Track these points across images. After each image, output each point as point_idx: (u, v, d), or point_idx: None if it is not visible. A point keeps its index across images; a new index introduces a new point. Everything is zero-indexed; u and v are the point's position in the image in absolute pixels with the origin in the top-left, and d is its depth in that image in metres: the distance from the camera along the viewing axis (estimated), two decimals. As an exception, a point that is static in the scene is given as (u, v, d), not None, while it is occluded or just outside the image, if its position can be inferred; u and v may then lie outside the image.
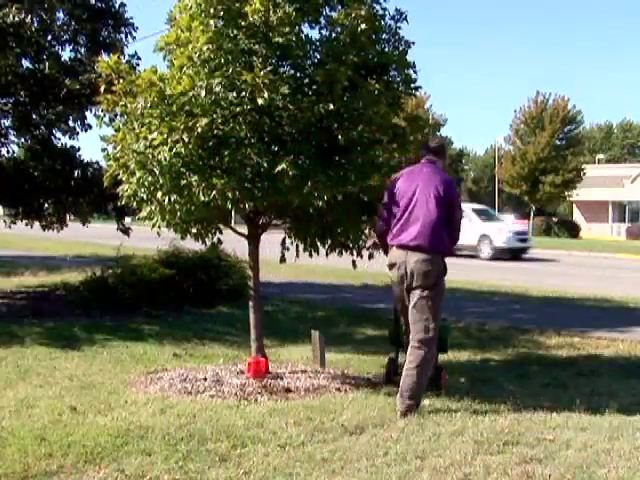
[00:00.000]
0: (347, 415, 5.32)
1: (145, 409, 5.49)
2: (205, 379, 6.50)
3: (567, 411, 5.56)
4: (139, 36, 11.76)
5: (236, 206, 5.85)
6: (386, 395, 5.91)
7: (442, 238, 5.64)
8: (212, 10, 5.82)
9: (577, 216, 55.75)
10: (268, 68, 5.56)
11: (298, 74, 6.07)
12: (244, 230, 6.68)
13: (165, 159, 5.56)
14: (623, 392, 6.28)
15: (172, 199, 5.68)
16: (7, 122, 11.37)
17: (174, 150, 5.55)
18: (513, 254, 24.75)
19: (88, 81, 10.28)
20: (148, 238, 8.90)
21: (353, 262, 6.77)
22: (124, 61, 6.91)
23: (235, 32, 5.83)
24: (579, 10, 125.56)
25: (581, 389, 6.37)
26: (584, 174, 49.10)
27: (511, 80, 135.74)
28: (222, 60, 5.74)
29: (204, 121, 5.52)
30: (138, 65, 9.87)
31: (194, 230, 6.37)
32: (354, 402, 5.70)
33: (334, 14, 6.27)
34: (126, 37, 11.42)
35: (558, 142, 49.58)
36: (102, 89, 6.25)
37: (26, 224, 11.96)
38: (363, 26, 6.02)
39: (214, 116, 5.61)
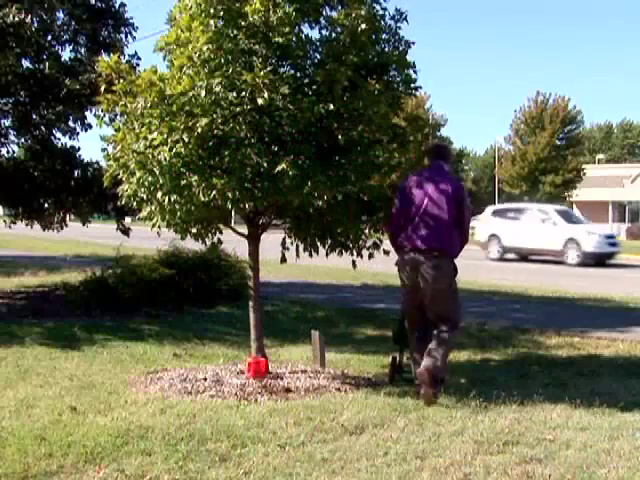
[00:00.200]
0: (347, 415, 5.32)
1: (145, 409, 5.49)
2: (205, 379, 6.50)
3: (567, 411, 5.57)
4: (139, 36, 11.78)
5: (236, 206, 5.85)
6: (386, 395, 5.91)
7: (453, 241, 5.91)
8: (212, 10, 5.82)
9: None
10: (268, 68, 5.57)
11: (298, 74, 6.07)
12: (244, 230, 6.68)
13: (165, 159, 5.56)
14: (623, 392, 6.28)
15: (172, 199, 5.68)
16: (7, 122, 11.38)
17: (174, 150, 5.55)
18: (600, 260, 22.76)
19: (88, 81, 10.28)
20: (148, 238, 8.91)
21: (353, 262, 6.77)
22: (124, 61, 6.92)
23: (235, 32, 5.83)
24: (579, 11, 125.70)
25: (581, 389, 6.37)
26: (584, 174, 49.13)
27: (511, 80, 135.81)
28: (222, 60, 5.74)
29: (204, 121, 5.52)
30: (138, 65, 9.91)
31: (194, 230, 6.38)
32: (354, 402, 5.70)
33: (334, 14, 6.27)
34: (126, 37, 11.43)
35: (558, 142, 49.62)
36: (102, 89, 6.25)
37: (26, 224, 11.97)
38: (363, 26, 6.02)
39: (214, 116, 5.61)
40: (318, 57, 6.16)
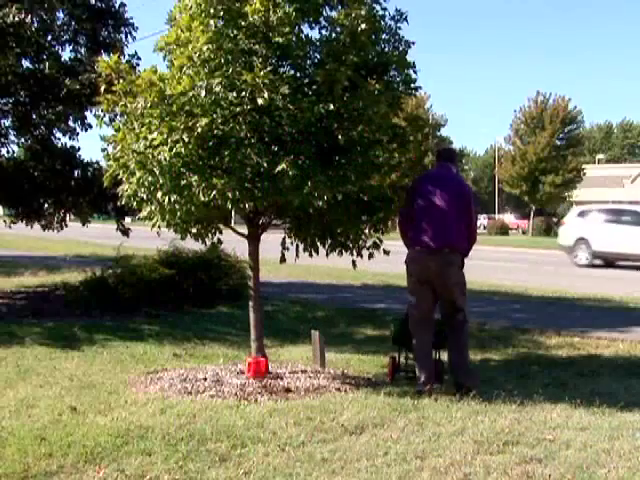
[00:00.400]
0: (347, 415, 5.32)
1: (145, 409, 5.49)
2: (205, 379, 6.50)
3: (567, 411, 5.57)
4: (139, 36, 11.78)
5: (236, 206, 5.85)
6: (386, 395, 5.91)
7: (461, 239, 6.21)
8: (212, 10, 5.82)
9: (577, 216, 55.75)
10: (268, 68, 5.56)
11: (298, 74, 6.06)
12: (244, 230, 6.68)
13: (165, 159, 5.56)
14: (623, 392, 6.28)
15: (172, 199, 5.68)
16: (7, 122, 11.38)
17: (174, 150, 5.55)
18: None
19: (88, 81, 10.28)
20: (148, 238, 8.91)
21: (353, 262, 6.77)
22: (124, 61, 6.93)
23: (235, 32, 5.83)
24: (579, 11, 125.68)
25: (581, 389, 6.37)
26: (584, 174, 49.11)
27: (511, 80, 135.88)
28: (222, 60, 5.74)
29: (204, 121, 5.52)
30: (138, 65, 9.89)
31: (194, 230, 6.38)
32: (354, 402, 5.70)
33: (334, 14, 6.27)
34: (126, 37, 11.44)
35: (558, 142, 49.62)
36: (102, 89, 6.25)
37: (26, 224, 11.96)
38: (363, 26, 6.02)
39: (214, 116, 5.61)
40: (318, 57, 6.16)
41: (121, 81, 6.02)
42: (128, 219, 12.24)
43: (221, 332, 9.30)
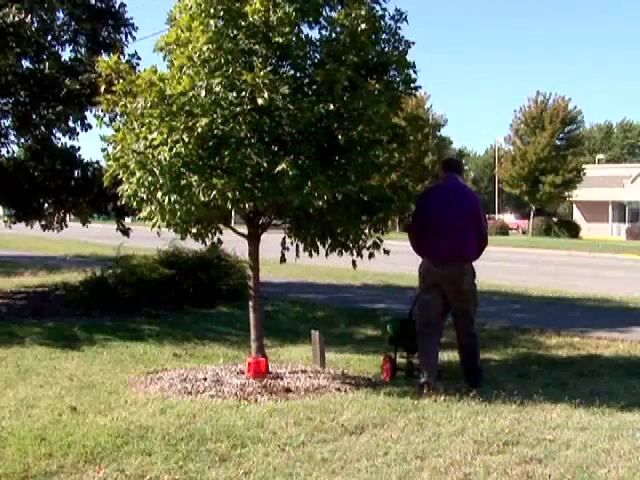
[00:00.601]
0: (347, 415, 5.32)
1: (145, 409, 5.49)
2: (205, 379, 6.50)
3: (567, 411, 5.57)
4: (139, 36, 11.78)
5: (236, 206, 5.86)
6: (386, 395, 5.91)
7: (473, 248, 6.46)
8: (212, 10, 5.82)
9: (577, 216, 55.74)
10: (268, 68, 5.57)
11: (298, 74, 6.07)
12: (244, 230, 6.68)
13: (165, 159, 5.56)
14: (623, 392, 6.28)
15: (172, 199, 5.68)
16: (7, 122, 11.38)
17: (174, 150, 5.55)
18: None
19: (88, 81, 10.28)
20: (148, 238, 8.91)
21: (353, 262, 6.77)
22: (124, 61, 6.92)
23: (235, 32, 5.84)
24: (579, 11, 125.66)
25: (581, 389, 6.37)
26: (584, 174, 49.08)
27: (511, 80, 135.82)
28: (222, 60, 5.74)
29: (204, 121, 5.52)
30: (138, 65, 9.88)
31: (194, 230, 6.38)
32: (354, 402, 5.70)
33: (334, 14, 6.27)
34: (126, 37, 11.44)
35: (558, 142, 49.58)
36: (102, 89, 6.25)
37: (26, 224, 11.96)
38: (363, 26, 6.02)
39: (214, 116, 5.61)
40: (318, 57, 6.16)
41: (121, 81, 6.03)
42: (128, 219, 12.23)
43: (221, 332, 9.30)
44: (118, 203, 6.78)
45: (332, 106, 5.80)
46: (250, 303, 6.75)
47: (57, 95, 10.61)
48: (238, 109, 5.66)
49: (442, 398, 5.82)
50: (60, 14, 11.13)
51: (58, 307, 10.81)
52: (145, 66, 6.47)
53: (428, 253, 6.46)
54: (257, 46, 5.86)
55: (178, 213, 5.81)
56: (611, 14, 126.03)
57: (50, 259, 19.06)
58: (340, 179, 5.85)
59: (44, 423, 5.10)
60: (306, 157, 5.78)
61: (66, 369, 6.98)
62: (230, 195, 5.62)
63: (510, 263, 22.59)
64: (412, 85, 6.45)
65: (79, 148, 11.56)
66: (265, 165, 5.62)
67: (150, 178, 5.73)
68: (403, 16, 6.43)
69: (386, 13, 6.38)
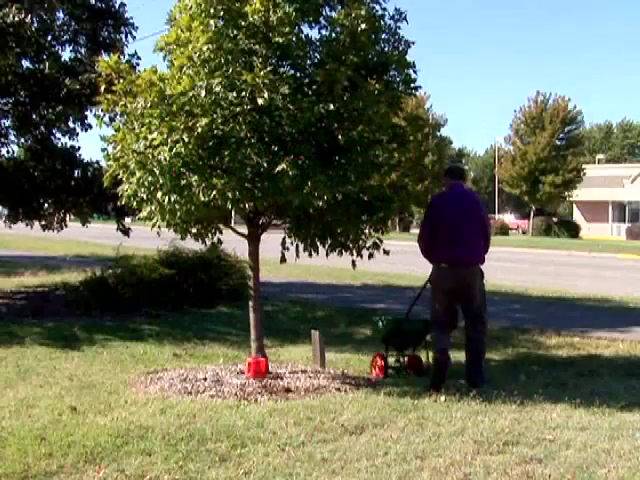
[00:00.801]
0: (347, 415, 5.32)
1: (145, 409, 5.49)
2: (205, 379, 6.50)
3: (567, 411, 5.56)
4: (139, 36, 11.78)
5: (236, 206, 5.86)
6: (386, 395, 5.91)
7: (481, 251, 6.65)
8: (212, 10, 5.82)
9: (577, 216, 55.73)
10: (268, 68, 5.57)
11: (298, 74, 6.07)
12: (244, 230, 6.68)
13: (165, 159, 5.56)
14: (623, 392, 6.28)
15: (172, 199, 5.68)
16: (7, 122, 11.38)
17: (174, 150, 5.55)
18: None
19: (88, 81, 10.28)
20: (148, 238, 8.91)
21: (353, 262, 6.77)
22: (124, 61, 6.92)
23: (235, 32, 5.84)
24: (579, 11, 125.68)
25: (581, 389, 6.37)
26: (584, 174, 49.06)
27: (511, 80, 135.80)
28: (222, 60, 5.74)
29: (204, 121, 5.52)
30: (138, 65, 9.89)
31: (194, 230, 6.38)
32: (354, 402, 5.70)
33: (334, 14, 6.27)
34: (126, 37, 11.44)
35: (558, 142, 49.56)
36: (102, 89, 6.25)
37: (26, 224, 11.96)
38: (363, 26, 6.02)
39: (214, 116, 5.61)
40: (318, 57, 6.16)
41: (121, 81, 6.03)
42: (128, 219, 12.23)
43: (221, 332, 9.30)
44: (118, 203, 6.77)
45: (332, 106, 5.80)
46: (250, 303, 6.75)
47: (57, 95, 10.61)
48: (238, 109, 5.66)
49: (442, 398, 5.82)
50: (60, 14, 11.15)
51: (58, 307, 10.82)
52: (145, 66, 6.49)
53: (444, 258, 6.51)
54: (257, 46, 5.86)
55: (178, 213, 5.81)
56: (611, 14, 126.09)
57: (50, 259, 19.06)
58: (340, 179, 5.85)
59: (44, 423, 5.10)
60: (306, 157, 5.78)
61: (66, 369, 6.98)
62: (230, 195, 5.62)
63: (510, 263, 22.58)
64: (412, 85, 6.45)
65: (79, 148, 11.59)
66: (265, 165, 5.62)
67: (150, 178, 5.73)
68: (403, 16, 6.44)
69: (386, 13, 6.39)
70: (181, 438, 4.76)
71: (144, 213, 6.13)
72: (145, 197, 5.92)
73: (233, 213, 6.52)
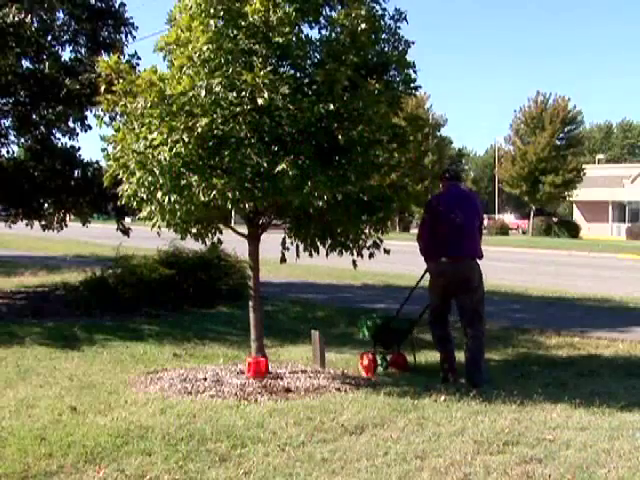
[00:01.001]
0: (347, 415, 5.32)
1: (145, 409, 5.49)
2: (205, 379, 6.50)
3: (567, 411, 5.57)
4: (139, 36, 11.78)
5: (236, 206, 5.85)
6: (386, 395, 5.91)
7: (479, 248, 6.85)
8: (212, 10, 5.82)
9: (577, 216, 55.73)
10: (268, 68, 5.57)
11: (298, 74, 6.06)
12: (244, 230, 6.68)
13: (165, 159, 5.56)
14: (623, 392, 6.28)
15: (172, 199, 5.68)
16: (7, 122, 11.38)
17: (174, 150, 5.55)
18: None
19: (88, 81, 10.28)
20: (148, 238, 8.90)
21: (353, 262, 6.78)
22: (124, 61, 6.92)
23: (235, 32, 5.83)
24: (579, 11, 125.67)
25: (581, 389, 6.37)
26: (584, 174, 49.06)
27: (511, 80, 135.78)
28: (222, 60, 5.74)
29: (204, 121, 5.52)
30: (138, 65, 9.88)
31: (194, 230, 6.38)
32: (354, 402, 5.70)
33: (334, 14, 6.27)
34: (126, 37, 11.44)
35: (558, 142, 49.55)
36: (102, 89, 6.25)
37: (26, 224, 11.96)
38: (363, 26, 6.02)
39: (214, 116, 5.61)
40: (318, 57, 6.16)
41: (121, 81, 6.03)
42: (128, 219, 12.23)
43: (221, 332, 9.30)
44: (118, 203, 6.77)
45: (332, 106, 5.80)
46: (250, 303, 6.75)
47: (57, 95, 10.61)
48: (238, 109, 5.66)
49: (442, 398, 5.82)
50: (60, 14, 11.14)
51: (58, 307, 10.81)
52: (145, 66, 6.48)
53: (444, 253, 6.69)
54: (257, 46, 5.86)
55: (178, 213, 5.81)
56: (611, 14, 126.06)
57: (50, 259, 19.06)
58: (340, 179, 5.85)
59: (44, 423, 5.10)
60: (306, 157, 5.78)
61: (66, 369, 6.98)
62: (230, 195, 5.62)
63: (510, 263, 22.59)
64: (412, 85, 6.46)
65: (79, 148, 11.59)
66: (265, 165, 5.62)
67: (150, 178, 5.73)
68: (403, 16, 6.44)
69: (386, 13, 6.39)
70: (181, 438, 4.76)
71: (144, 213, 6.13)
72: (145, 197, 5.92)
73: (233, 213, 6.52)
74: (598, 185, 52.16)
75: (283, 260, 6.62)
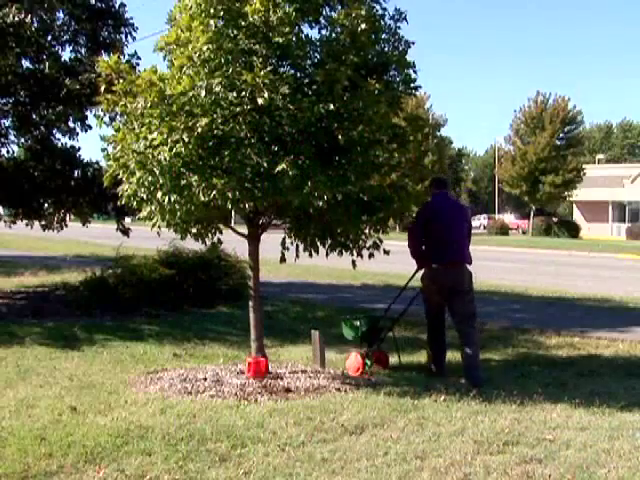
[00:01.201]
0: (347, 415, 5.32)
1: (145, 409, 5.49)
2: (205, 379, 6.50)
3: (567, 411, 5.57)
4: (139, 36, 11.78)
5: (236, 206, 5.85)
6: (386, 395, 5.91)
7: (469, 253, 7.10)
8: (212, 10, 5.82)
9: (577, 216, 55.72)
10: (268, 68, 5.57)
11: (298, 74, 6.07)
12: (244, 230, 6.68)
13: (165, 159, 5.56)
14: (623, 392, 6.28)
15: (172, 199, 5.68)
16: (7, 122, 11.38)
17: (174, 150, 5.55)
18: None
19: (88, 81, 10.28)
20: (148, 238, 8.91)
21: (353, 262, 6.78)
22: (124, 61, 6.92)
23: (235, 32, 5.83)
24: (579, 11, 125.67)
25: (581, 389, 6.37)
26: (584, 174, 49.04)
27: (511, 80, 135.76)
28: (222, 60, 5.74)
29: (204, 121, 5.52)
30: (138, 65, 9.89)
31: (194, 230, 6.38)
32: (354, 402, 5.70)
33: (334, 14, 6.27)
34: (126, 37, 11.44)
35: (558, 142, 49.51)
36: (102, 89, 6.25)
37: (26, 224, 11.97)
38: (363, 26, 6.02)
39: (214, 116, 5.61)
40: (318, 57, 6.16)
41: (121, 81, 6.03)
42: (128, 219, 12.24)
43: (221, 332, 9.29)
44: (118, 203, 6.77)
45: (332, 106, 5.80)
46: (250, 303, 6.75)
47: (57, 95, 10.61)
48: (238, 109, 5.66)
49: (442, 398, 5.82)
50: (60, 14, 11.14)
51: (58, 307, 10.81)
52: (145, 66, 6.48)
53: (438, 259, 6.90)
54: (257, 46, 5.85)
55: (178, 213, 5.81)
56: (611, 15, 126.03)
57: (50, 259, 19.06)
58: (340, 179, 5.85)
59: (44, 423, 5.10)
60: (306, 157, 5.78)
61: (66, 369, 6.98)
62: (230, 195, 5.62)
63: (510, 263, 22.59)
64: (412, 85, 6.46)
65: (79, 148, 11.59)
66: (265, 165, 5.62)
67: (150, 178, 5.73)
68: (403, 16, 6.44)
69: (386, 13, 6.39)
70: (181, 438, 4.76)
71: (144, 213, 6.13)
72: (145, 197, 5.92)
73: (233, 213, 6.52)
74: (598, 185, 52.14)
75: (283, 260, 6.62)
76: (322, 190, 5.69)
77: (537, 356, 8.08)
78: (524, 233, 54.49)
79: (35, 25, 10.65)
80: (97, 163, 11.35)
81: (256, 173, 5.68)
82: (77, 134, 11.48)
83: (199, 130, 5.52)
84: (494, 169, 60.18)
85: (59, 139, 11.67)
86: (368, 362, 7.13)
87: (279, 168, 5.53)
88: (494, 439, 4.81)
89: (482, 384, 6.41)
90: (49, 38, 11.14)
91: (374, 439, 4.82)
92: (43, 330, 9.00)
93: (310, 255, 6.68)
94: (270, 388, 6.19)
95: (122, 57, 8.85)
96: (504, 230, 51.21)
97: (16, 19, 9.89)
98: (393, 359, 7.45)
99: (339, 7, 6.30)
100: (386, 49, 6.36)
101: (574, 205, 56.33)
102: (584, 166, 50.43)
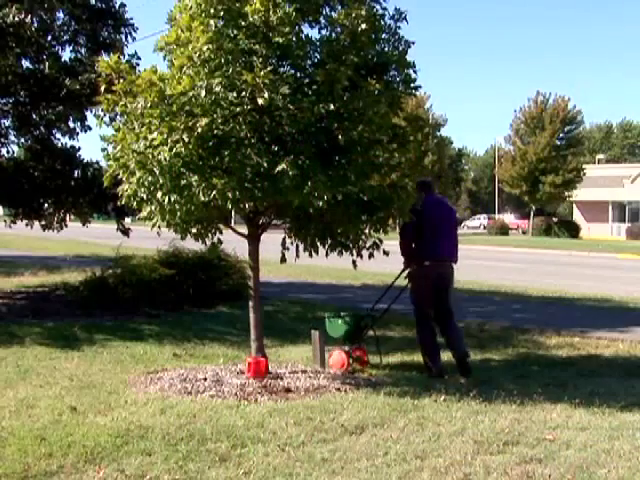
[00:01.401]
0: (347, 415, 5.32)
1: (145, 409, 5.49)
2: (205, 379, 6.50)
3: (567, 411, 5.57)
4: (139, 36, 11.77)
5: (236, 206, 5.86)
6: (386, 395, 5.91)
7: (457, 251, 7.41)
8: (212, 10, 5.82)
9: (577, 216, 55.72)
10: (268, 68, 5.56)
11: (298, 74, 6.06)
12: (244, 230, 6.68)
13: (165, 159, 5.56)
14: (623, 392, 6.28)
15: (172, 199, 5.68)
16: (7, 122, 11.38)
17: (174, 150, 5.55)
18: None
19: (88, 81, 10.29)
20: (148, 238, 8.91)
21: (353, 262, 6.78)
22: (124, 61, 6.91)
23: (235, 32, 5.83)
24: (579, 11, 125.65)
25: (581, 389, 6.37)
26: (584, 174, 49.04)
27: (511, 80, 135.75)
28: (222, 60, 5.74)
29: (204, 121, 5.52)
30: (138, 65, 9.88)
31: (194, 230, 6.37)
32: (354, 402, 5.70)
33: (334, 14, 6.27)
34: (126, 37, 11.43)
35: (558, 142, 49.52)
36: (102, 89, 6.25)
37: (26, 224, 11.96)
38: (363, 26, 6.02)
39: (214, 116, 5.61)
40: (318, 57, 6.16)
41: (121, 81, 6.02)
42: (128, 219, 12.23)
43: (221, 332, 9.30)
44: (118, 203, 6.77)
45: (332, 106, 5.80)
46: (250, 303, 6.75)
47: (57, 95, 10.61)
48: (238, 109, 5.66)
49: (442, 398, 5.82)
50: (60, 14, 11.14)
51: (58, 307, 10.81)
52: (145, 66, 6.48)
53: (429, 257, 7.13)
54: (257, 46, 5.85)
55: (178, 213, 5.80)
56: (611, 14, 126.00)
57: (50, 259, 19.07)
58: (340, 179, 5.85)
59: (44, 423, 5.10)
60: (306, 157, 5.78)
61: (66, 369, 6.98)
62: (230, 195, 5.62)
63: (510, 263, 22.60)
64: (412, 85, 6.45)
65: (79, 148, 11.59)
66: (265, 165, 5.62)
67: (150, 178, 5.73)
68: (403, 16, 6.44)
69: (386, 13, 6.39)
70: (181, 438, 4.76)
71: (144, 213, 6.13)
72: (145, 197, 5.92)
73: (233, 213, 6.52)
74: (598, 185, 52.14)
75: (283, 260, 6.61)
76: (322, 190, 5.69)
77: (537, 356, 8.08)
78: (524, 233, 54.50)
79: (35, 25, 10.65)
80: (97, 163, 11.36)
81: (256, 173, 5.68)
82: (77, 134, 11.49)
83: (199, 130, 5.52)
84: (494, 169, 60.19)
85: (59, 139, 11.69)
86: (352, 357, 7.21)
87: (279, 168, 5.53)
88: (494, 439, 4.81)
89: (471, 373, 6.87)
90: (49, 38, 11.15)
91: (374, 439, 4.82)
92: (43, 330, 9.00)
93: (310, 255, 6.68)
94: (270, 388, 6.19)
95: (122, 57, 8.83)
96: (504, 230, 51.22)
97: (16, 19, 9.90)
98: (377, 358, 7.48)
99: (339, 7, 6.30)
100: (386, 49, 6.36)
101: (574, 205, 56.32)
102: (584, 166, 50.44)
